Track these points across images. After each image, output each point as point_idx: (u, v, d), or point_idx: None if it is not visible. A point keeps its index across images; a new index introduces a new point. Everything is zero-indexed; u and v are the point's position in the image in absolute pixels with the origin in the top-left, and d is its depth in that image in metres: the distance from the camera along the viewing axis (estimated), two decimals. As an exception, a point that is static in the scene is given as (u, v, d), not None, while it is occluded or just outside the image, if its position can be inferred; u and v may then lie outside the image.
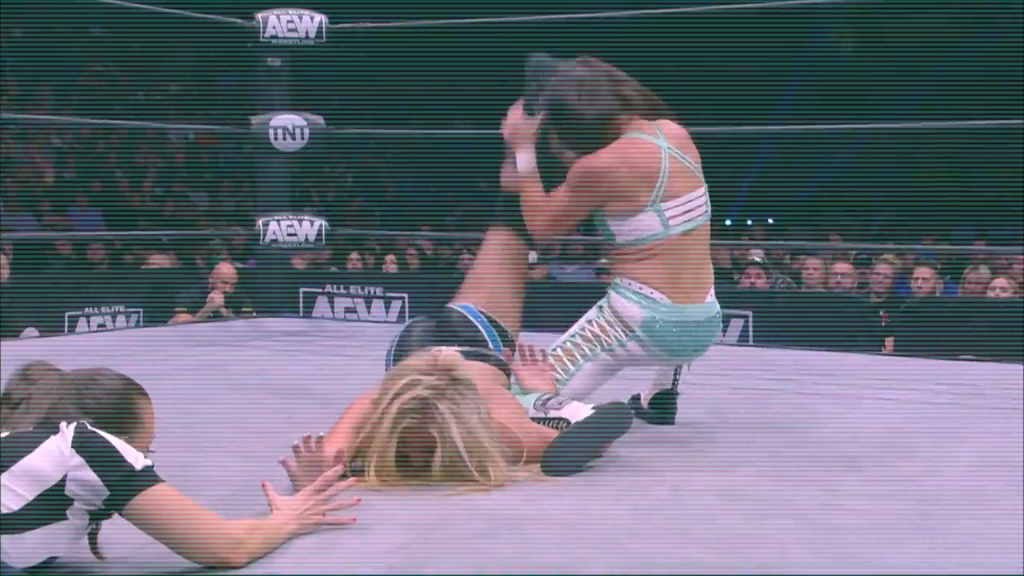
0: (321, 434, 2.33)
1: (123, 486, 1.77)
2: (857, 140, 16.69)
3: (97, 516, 1.82)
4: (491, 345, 2.98)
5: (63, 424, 1.80)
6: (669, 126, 3.03)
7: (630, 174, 2.93)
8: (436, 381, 2.41)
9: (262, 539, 1.93)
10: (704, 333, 3.03)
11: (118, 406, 1.93)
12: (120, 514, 1.81)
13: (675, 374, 3.21)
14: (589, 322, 3.03)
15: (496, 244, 3.18)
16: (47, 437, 1.78)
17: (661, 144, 2.97)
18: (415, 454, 2.44)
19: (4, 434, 1.82)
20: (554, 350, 3.01)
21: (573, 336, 3.03)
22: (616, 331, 2.99)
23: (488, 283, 3.10)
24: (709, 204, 3.05)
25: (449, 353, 2.51)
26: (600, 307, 3.03)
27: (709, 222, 3.06)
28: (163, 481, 1.82)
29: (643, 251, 2.96)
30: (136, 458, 1.80)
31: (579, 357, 3.00)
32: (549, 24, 5.08)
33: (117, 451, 1.78)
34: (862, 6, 13.57)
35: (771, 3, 4.92)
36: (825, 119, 6.84)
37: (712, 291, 3.06)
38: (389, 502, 2.29)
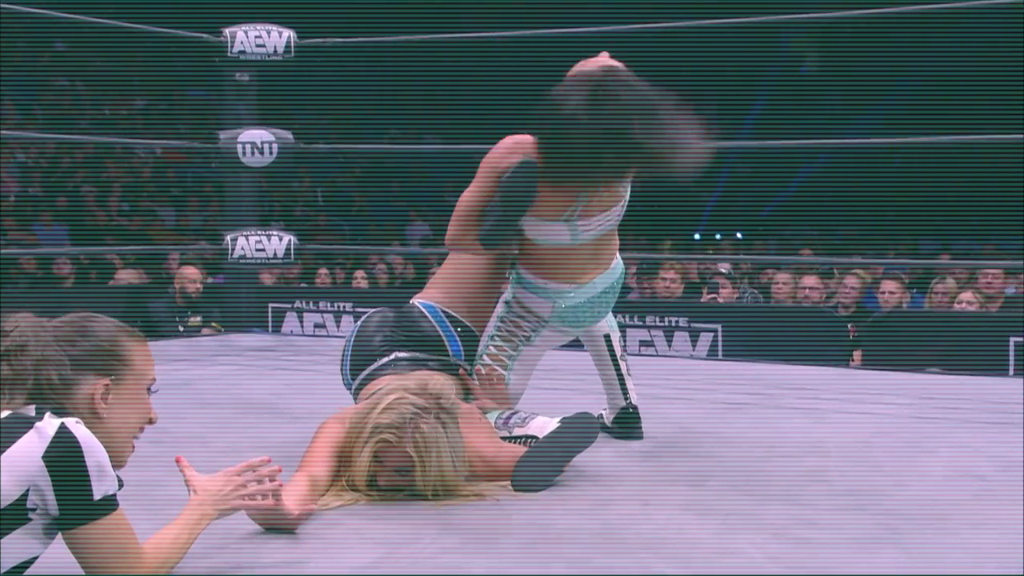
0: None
1: (74, 515, 1.72)
2: (821, 156, 16.84)
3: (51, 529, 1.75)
4: (449, 346, 2.97)
5: (47, 416, 1.72)
6: None
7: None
8: (424, 403, 2.42)
9: (178, 547, 1.89)
10: (612, 295, 3.01)
11: (103, 348, 1.87)
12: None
13: (622, 387, 3.17)
14: (502, 320, 2.98)
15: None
16: (25, 430, 1.70)
17: None
18: (386, 475, 2.43)
19: None
20: (481, 357, 2.97)
21: (492, 338, 2.98)
22: (529, 323, 2.96)
23: (455, 281, 3.06)
24: (624, 206, 2.92)
25: (441, 380, 2.53)
26: (507, 302, 2.99)
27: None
28: (116, 510, 1.75)
29: (544, 251, 2.89)
30: (101, 481, 1.72)
31: (507, 360, 2.96)
32: (514, 40, 5.11)
33: (86, 475, 1.71)
34: (824, 24, 13.67)
35: (736, 20, 4.95)
36: (789, 135, 6.87)
37: (617, 254, 3.01)
38: (359, 519, 2.28)
